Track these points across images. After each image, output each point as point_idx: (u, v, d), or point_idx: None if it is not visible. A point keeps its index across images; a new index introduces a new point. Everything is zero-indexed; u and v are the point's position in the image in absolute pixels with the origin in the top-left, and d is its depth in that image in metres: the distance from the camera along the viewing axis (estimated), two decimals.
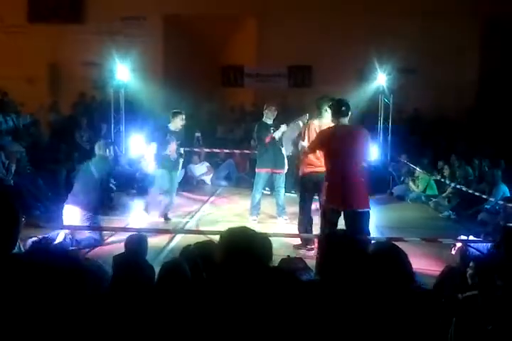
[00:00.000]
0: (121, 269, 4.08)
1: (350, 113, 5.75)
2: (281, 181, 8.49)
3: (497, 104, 13.44)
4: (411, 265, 3.00)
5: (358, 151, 5.67)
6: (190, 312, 3.27)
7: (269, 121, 8.43)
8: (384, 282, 2.87)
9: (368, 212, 5.64)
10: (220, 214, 9.21)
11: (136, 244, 4.47)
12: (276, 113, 8.55)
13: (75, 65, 14.19)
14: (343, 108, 5.71)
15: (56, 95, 14.41)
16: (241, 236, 2.75)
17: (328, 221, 5.66)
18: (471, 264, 4.06)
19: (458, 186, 9.26)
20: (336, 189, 5.59)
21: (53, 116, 13.00)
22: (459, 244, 5.97)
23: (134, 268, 4.10)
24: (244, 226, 2.89)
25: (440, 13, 13.90)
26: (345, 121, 5.73)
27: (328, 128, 5.93)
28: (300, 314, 2.56)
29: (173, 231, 7.56)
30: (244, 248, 2.65)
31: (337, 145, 5.63)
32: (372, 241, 3.35)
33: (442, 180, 9.92)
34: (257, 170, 8.56)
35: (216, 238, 2.90)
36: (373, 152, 6.01)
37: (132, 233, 4.91)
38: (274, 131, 8.35)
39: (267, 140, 8.27)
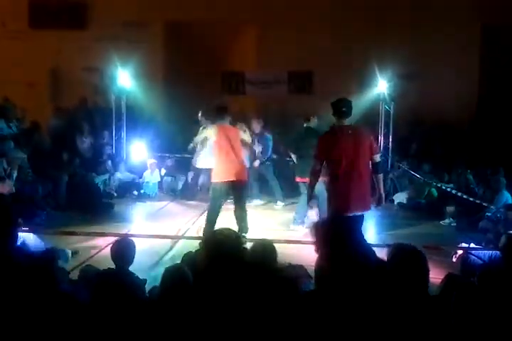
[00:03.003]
0: (104, 287, 4.04)
1: (351, 114, 5.52)
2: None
3: (498, 111, 13.44)
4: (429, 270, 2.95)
5: (366, 150, 5.49)
6: (192, 318, 3.26)
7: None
8: (403, 287, 2.82)
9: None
10: (221, 220, 9.18)
11: (121, 252, 4.33)
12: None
13: (77, 71, 14.20)
14: (344, 109, 5.49)
15: (57, 100, 14.42)
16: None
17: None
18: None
19: (459, 194, 9.24)
20: (356, 193, 5.43)
21: (54, 122, 12.97)
22: (460, 252, 5.97)
23: (118, 285, 4.01)
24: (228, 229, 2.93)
25: (441, 21, 13.95)
26: (346, 122, 5.52)
27: (330, 131, 5.68)
28: (304, 323, 2.56)
29: (175, 237, 7.58)
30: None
31: (345, 147, 5.40)
32: (392, 244, 3.26)
33: (443, 187, 9.90)
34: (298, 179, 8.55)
35: None
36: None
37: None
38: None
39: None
